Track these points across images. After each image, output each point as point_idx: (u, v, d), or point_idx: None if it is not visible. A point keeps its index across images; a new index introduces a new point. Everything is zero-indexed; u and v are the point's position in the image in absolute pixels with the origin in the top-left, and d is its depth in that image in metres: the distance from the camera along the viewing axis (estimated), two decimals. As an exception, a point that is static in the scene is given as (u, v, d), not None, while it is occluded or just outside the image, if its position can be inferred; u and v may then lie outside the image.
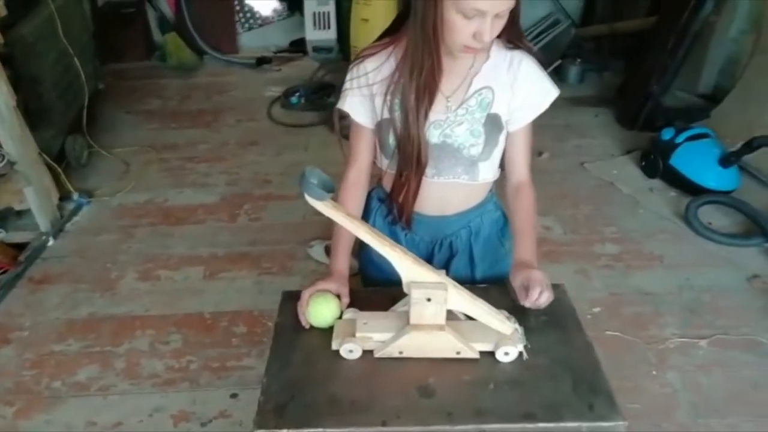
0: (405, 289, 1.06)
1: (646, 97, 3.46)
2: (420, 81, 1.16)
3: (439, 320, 1.06)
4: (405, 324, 1.09)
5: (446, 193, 1.32)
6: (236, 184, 3.16)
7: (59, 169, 2.88)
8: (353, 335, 1.10)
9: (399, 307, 1.15)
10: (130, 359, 2.13)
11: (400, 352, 1.09)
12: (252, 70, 4.55)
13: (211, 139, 3.61)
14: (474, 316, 1.08)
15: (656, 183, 3.06)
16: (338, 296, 1.19)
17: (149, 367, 2.09)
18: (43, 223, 2.77)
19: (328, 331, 1.14)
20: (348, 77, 1.26)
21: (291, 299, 1.22)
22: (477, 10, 1.04)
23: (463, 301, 1.07)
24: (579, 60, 4.19)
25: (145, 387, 2.02)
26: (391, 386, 1.07)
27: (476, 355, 1.09)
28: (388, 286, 1.19)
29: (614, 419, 1.00)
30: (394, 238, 1.38)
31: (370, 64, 1.23)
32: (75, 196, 2.98)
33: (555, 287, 1.27)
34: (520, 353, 1.09)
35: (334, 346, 1.11)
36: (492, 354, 1.09)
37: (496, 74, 1.22)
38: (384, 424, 0.99)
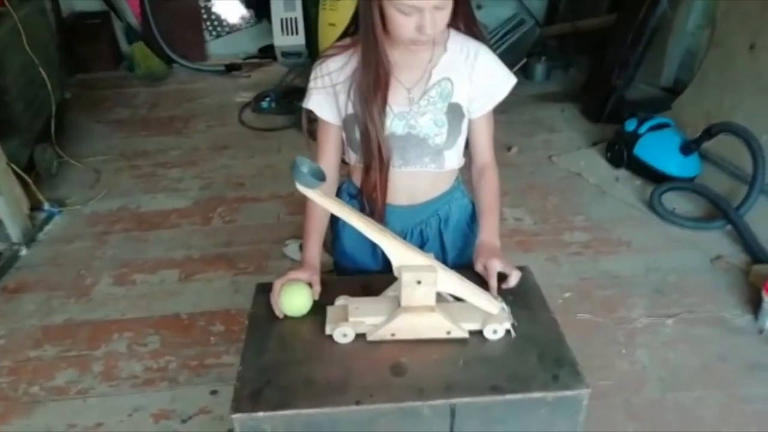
0: (395, 273, 1.09)
1: (610, 91, 3.57)
2: (371, 76, 1.21)
3: (430, 301, 1.09)
4: (395, 308, 1.11)
5: (415, 183, 1.36)
6: (209, 187, 3.17)
7: (28, 179, 2.85)
8: (346, 319, 1.12)
9: (389, 292, 1.18)
10: (108, 362, 2.12)
11: (393, 334, 1.11)
12: (221, 77, 4.56)
13: (182, 145, 3.60)
14: (463, 297, 1.12)
15: (622, 172, 3.14)
16: (310, 285, 1.21)
17: (127, 368, 2.09)
18: (15, 233, 2.74)
19: (301, 319, 1.17)
20: (312, 77, 1.30)
21: (264, 291, 1.24)
22: (412, 6, 1.10)
23: (452, 282, 1.10)
24: (544, 58, 4.28)
25: (124, 388, 2.02)
26: (365, 367, 1.08)
27: (465, 335, 1.11)
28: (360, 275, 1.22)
29: (578, 387, 1.03)
30: (366, 228, 1.43)
31: (333, 64, 1.27)
32: (46, 205, 2.96)
33: (520, 269, 1.30)
34: (508, 331, 1.12)
35: (327, 331, 1.12)
36: (480, 333, 1.12)
37: (454, 66, 1.27)
38: (358, 402, 1.00)
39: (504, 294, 1.22)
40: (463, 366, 1.07)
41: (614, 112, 3.55)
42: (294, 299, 1.17)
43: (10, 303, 2.42)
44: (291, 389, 1.03)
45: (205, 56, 4.82)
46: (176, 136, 3.73)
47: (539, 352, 1.10)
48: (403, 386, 1.03)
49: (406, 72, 1.26)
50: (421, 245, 1.45)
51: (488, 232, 1.31)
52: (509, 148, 3.36)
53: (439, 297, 1.12)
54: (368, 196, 1.35)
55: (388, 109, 1.26)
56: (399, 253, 1.08)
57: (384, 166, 1.29)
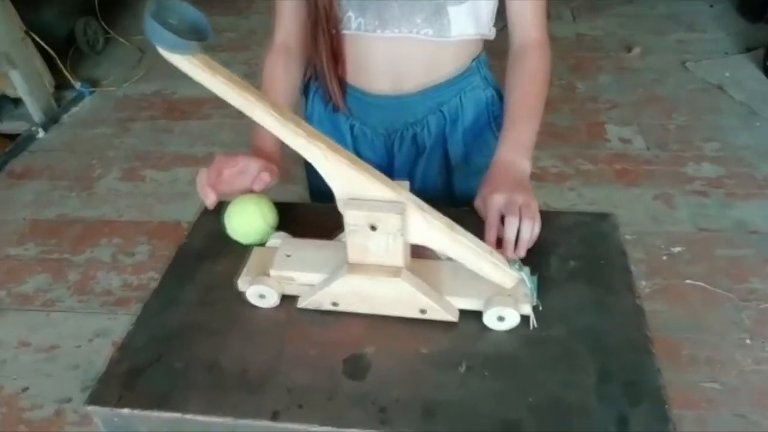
0: (339, 208, 0.65)
1: (783, -22, 2.71)
2: None
3: (393, 260, 0.66)
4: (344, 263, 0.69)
5: (400, 58, 0.89)
6: (254, 76, 2.69)
7: (53, 53, 2.55)
8: (267, 273, 0.71)
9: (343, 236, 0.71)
10: (86, 271, 1.83)
11: (334, 304, 0.70)
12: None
13: (238, 27, 3.22)
14: (455, 257, 0.66)
15: (782, 88, 2.40)
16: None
17: (104, 281, 1.79)
18: (36, 112, 2.51)
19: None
20: None
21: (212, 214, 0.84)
22: None
23: (433, 232, 0.65)
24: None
25: (93, 305, 1.73)
26: (305, 353, 0.67)
27: (453, 318, 0.68)
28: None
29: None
30: (337, 130, 0.97)
31: None
32: (77, 85, 2.67)
33: (602, 217, 0.81)
34: (526, 318, 0.67)
35: (240, 286, 0.73)
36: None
37: None
38: (275, 416, 0.60)
39: (563, 256, 0.74)
40: (464, 375, 0.63)
41: (785, 8, 2.72)
42: (247, 217, 0.77)
43: (11, 190, 2.20)
44: (185, 377, 0.65)
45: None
46: (236, 16, 3.35)
47: (601, 367, 0.63)
48: (354, 397, 0.62)
49: None
50: (416, 158, 0.98)
51: (508, 148, 0.83)
52: (630, 49, 2.72)
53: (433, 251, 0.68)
54: (320, 75, 0.91)
55: None
56: (343, 175, 0.62)
57: (328, 18, 0.84)
